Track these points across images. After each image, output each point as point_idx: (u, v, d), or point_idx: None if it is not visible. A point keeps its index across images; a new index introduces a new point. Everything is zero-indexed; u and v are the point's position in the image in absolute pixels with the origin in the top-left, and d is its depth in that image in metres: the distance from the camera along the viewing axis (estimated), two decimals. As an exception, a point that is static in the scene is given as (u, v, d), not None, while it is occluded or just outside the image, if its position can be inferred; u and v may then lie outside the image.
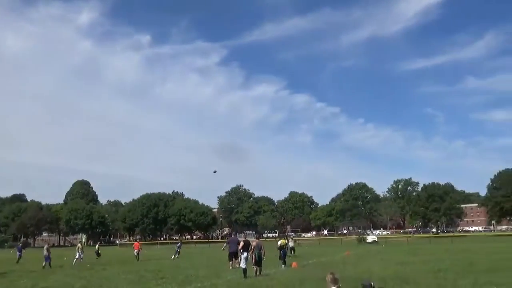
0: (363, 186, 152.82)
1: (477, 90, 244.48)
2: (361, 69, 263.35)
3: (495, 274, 18.28)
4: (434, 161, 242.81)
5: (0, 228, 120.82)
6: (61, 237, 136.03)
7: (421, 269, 21.50)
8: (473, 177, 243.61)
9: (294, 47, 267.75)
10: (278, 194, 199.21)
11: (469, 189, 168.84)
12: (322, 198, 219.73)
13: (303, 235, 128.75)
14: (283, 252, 26.70)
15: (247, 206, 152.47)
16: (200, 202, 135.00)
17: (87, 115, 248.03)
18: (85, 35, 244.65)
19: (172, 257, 39.80)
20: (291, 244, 38.57)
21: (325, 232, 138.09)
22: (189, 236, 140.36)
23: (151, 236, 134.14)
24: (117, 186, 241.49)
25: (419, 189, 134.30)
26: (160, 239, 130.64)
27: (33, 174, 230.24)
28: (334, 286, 8.34)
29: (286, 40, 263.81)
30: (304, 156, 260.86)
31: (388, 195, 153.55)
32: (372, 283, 12.29)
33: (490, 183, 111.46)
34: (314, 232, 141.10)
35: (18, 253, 37.39)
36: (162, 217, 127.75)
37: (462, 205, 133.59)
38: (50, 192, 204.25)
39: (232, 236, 35.93)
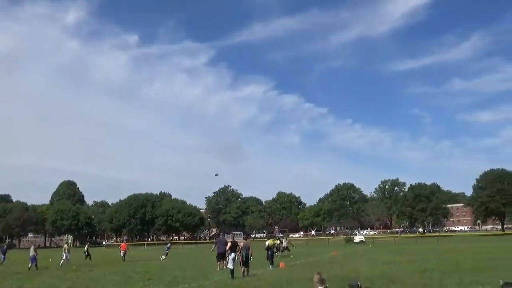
0: (351, 187, 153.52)
1: (463, 91, 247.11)
2: (349, 70, 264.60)
3: (480, 273, 18.47)
4: (421, 161, 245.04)
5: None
6: (47, 238, 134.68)
7: (408, 268, 21.65)
8: (459, 177, 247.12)
9: (282, 47, 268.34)
10: (266, 195, 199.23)
11: (455, 189, 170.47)
12: (310, 199, 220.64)
13: (290, 235, 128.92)
14: (271, 252, 26.72)
15: (235, 207, 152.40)
16: (188, 203, 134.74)
17: (74, 115, 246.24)
18: (72, 34, 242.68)
19: (161, 257, 39.79)
20: (284, 244, 39.13)
21: (313, 232, 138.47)
22: (177, 237, 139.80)
23: (138, 237, 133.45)
24: (104, 187, 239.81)
25: (406, 189, 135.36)
26: (148, 239, 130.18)
27: (18, 175, 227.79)
28: (321, 286, 8.36)
29: (275, 40, 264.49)
30: (292, 157, 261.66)
31: (375, 195, 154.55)
32: (359, 283, 12.35)
33: (476, 183, 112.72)
34: (301, 233, 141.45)
35: (2, 255, 36.89)
36: (149, 218, 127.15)
37: (448, 205, 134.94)
38: (36, 193, 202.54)
39: (221, 236, 35.95)
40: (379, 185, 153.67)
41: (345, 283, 13.61)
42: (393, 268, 22.13)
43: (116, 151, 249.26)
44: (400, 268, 22.27)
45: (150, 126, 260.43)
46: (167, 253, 41.22)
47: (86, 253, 39.26)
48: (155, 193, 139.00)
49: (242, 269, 20.10)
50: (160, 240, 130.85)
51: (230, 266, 19.85)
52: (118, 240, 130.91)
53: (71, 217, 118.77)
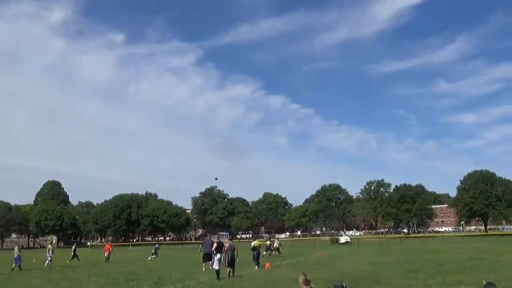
0: (337, 187, 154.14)
1: (448, 93, 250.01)
2: (335, 71, 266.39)
3: (463, 273, 18.69)
4: (406, 162, 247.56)
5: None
6: (30, 238, 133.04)
7: (392, 269, 21.78)
8: (443, 178, 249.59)
9: (269, 48, 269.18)
10: (252, 195, 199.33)
11: (439, 190, 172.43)
12: (296, 199, 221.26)
13: (276, 236, 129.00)
14: (257, 253, 26.69)
15: (221, 207, 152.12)
16: (174, 203, 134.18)
17: (59, 115, 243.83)
18: (58, 33, 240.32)
19: (150, 257, 39.74)
20: (276, 244, 40.02)
21: (299, 233, 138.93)
22: (162, 238, 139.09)
23: (123, 237, 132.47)
24: (89, 187, 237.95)
25: (391, 190, 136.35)
26: (133, 240, 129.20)
27: (1, 174, 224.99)
28: (306, 286, 8.39)
29: (262, 41, 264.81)
30: (278, 157, 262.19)
31: (361, 196, 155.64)
32: (343, 284, 12.42)
33: (460, 185, 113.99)
34: (287, 233, 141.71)
35: None
36: (135, 218, 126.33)
37: (433, 206, 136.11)
38: (20, 193, 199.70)
39: (207, 237, 35.94)
40: (364, 186, 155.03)
41: (330, 284, 13.68)
42: (378, 269, 22.26)
43: (101, 151, 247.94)
44: (384, 268, 22.41)
45: (136, 126, 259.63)
46: (156, 253, 41.27)
47: (73, 254, 38.91)
48: (140, 194, 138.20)
49: (228, 270, 20.09)
50: (145, 240, 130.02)
51: (215, 267, 19.81)
52: (103, 240, 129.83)
53: (55, 217, 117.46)
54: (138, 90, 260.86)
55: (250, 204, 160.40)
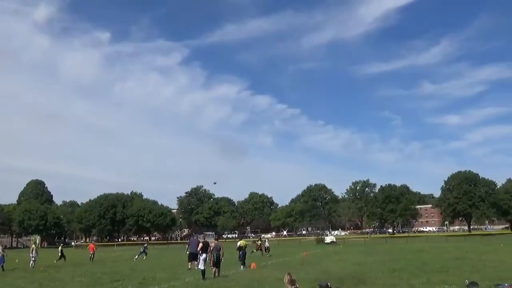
0: (322, 188, 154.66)
1: (432, 95, 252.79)
2: (322, 72, 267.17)
3: (447, 273, 18.89)
4: (391, 163, 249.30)
5: None
6: (13, 238, 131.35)
7: (377, 269, 21.92)
8: (428, 178, 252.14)
9: (256, 48, 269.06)
10: (238, 195, 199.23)
11: (424, 191, 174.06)
12: (282, 199, 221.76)
13: (262, 235, 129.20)
14: (243, 253, 26.64)
15: (207, 207, 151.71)
16: (160, 203, 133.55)
17: (43, 113, 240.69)
18: (42, 30, 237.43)
19: (137, 256, 39.71)
20: (266, 244, 41.11)
21: (285, 232, 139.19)
22: (148, 237, 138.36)
23: (108, 237, 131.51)
24: (74, 186, 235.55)
25: (377, 191, 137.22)
26: (118, 240, 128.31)
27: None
28: (292, 286, 8.38)
29: (249, 41, 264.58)
30: (264, 157, 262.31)
31: (346, 196, 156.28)
32: (329, 284, 12.45)
33: (444, 185, 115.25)
34: (273, 233, 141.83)
35: None
36: (120, 218, 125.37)
37: (417, 206, 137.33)
38: (3, 192, 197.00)
39: (194, 237, 35.92)
40: (350, 186, 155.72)
41: (316, 283, 13.71)
42: (363, 268, 22.38)
43: (86, 150, 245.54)
44: (369, 268, 22.54)
45: (121, 125, 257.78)
46: (143, 253, 41.25)
47: (60, 254, 38.54)
48: (126, 193, 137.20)
49: (213, 270, 20.01)
50: (130, 240, 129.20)
51: (201, 266, 19.76)
52: (87, 240, 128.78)
53: (39, 217, 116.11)
54: (124, 88, 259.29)
55: (236, 204, 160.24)
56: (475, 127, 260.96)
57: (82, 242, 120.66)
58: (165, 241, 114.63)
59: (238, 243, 27.84)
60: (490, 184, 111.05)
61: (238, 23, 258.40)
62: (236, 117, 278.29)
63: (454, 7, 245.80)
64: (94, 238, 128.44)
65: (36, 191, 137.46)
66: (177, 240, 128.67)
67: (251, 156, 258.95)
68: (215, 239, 22.76)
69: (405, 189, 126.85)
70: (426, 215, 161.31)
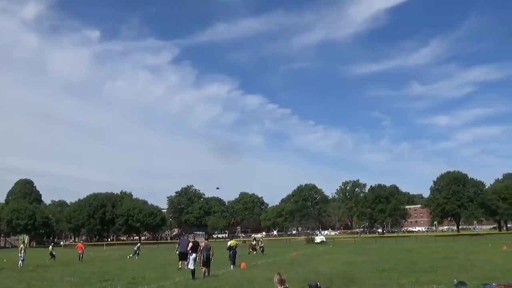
0: (313, 187, 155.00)
1: (422, 95, 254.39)
2: (312, 72, 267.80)
3: (435, 273, 19.03)
4: (381, 163, 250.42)
5: None
6: (1, 238, 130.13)
7: (367, 268, 22.01)
8: (417, 179, 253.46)
9: (247, 47, 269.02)
10: (229, 195, 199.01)
11: (413, 191, 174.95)
12: (272, 199, 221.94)
13: (253, 235, 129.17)
14: (233, 252, 26.61)
15: (197, 207, 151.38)
16: (149, 202, 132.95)
17: (31, 112, 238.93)
18: (30, 28, 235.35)
19: (130, 255, 39.61)
20: (261, 243, 42.88)
21: (275, 232, 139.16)
22: (137, 237, 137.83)
23: (97, 237, 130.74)
24: (63, 186, 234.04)
25: (367, 191, 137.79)
26: (107, 240, 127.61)
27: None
28: (281, 286, 8.40)
29: (239, 40, 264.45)
30: (255, 157, 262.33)
31: (336, 196, 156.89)
32: (318, 283, 12.47)
33: (433, 185, 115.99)
34: (264, 233, 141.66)
35: None
36: (109, 218, 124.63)
37: (407, 206, 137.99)
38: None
39: (184, 237, 35.91)
40: (340, 186, 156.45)
41: (305, 283, 13.73)
42: (352, 268, 22.47)
43: (75, 149, 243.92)
44: (359, 268, 22.63)
45: (111, 123, 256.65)
46: (136, 253, 41.15)
47: (51, 254, 38.25)
48: (115, 193, 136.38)
49: (203, 269, 19.99)
50: (120, 240, 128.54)
51: (191, 266, 19.73)
52: (76, 240, 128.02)
53: (27, 216, 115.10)
54: (114, 87, 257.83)
55: (226, 203, 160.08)
56: (463, 128, 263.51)
57: (71, 242, 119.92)
58: (155, 241, 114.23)
59: (228, 243, 27.80)
60: (479, 184, 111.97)
61: (228, 22, 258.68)
62: (226, 116, 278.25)
63: (444, 8, 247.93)
64: (83, 237, 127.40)
65: (25, 190, 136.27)
66: (167, 239, 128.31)
67: (241, 156, 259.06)
68: (205, 239, 22.70)
69: (394, 189, 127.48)
70: (415, 215, 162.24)
